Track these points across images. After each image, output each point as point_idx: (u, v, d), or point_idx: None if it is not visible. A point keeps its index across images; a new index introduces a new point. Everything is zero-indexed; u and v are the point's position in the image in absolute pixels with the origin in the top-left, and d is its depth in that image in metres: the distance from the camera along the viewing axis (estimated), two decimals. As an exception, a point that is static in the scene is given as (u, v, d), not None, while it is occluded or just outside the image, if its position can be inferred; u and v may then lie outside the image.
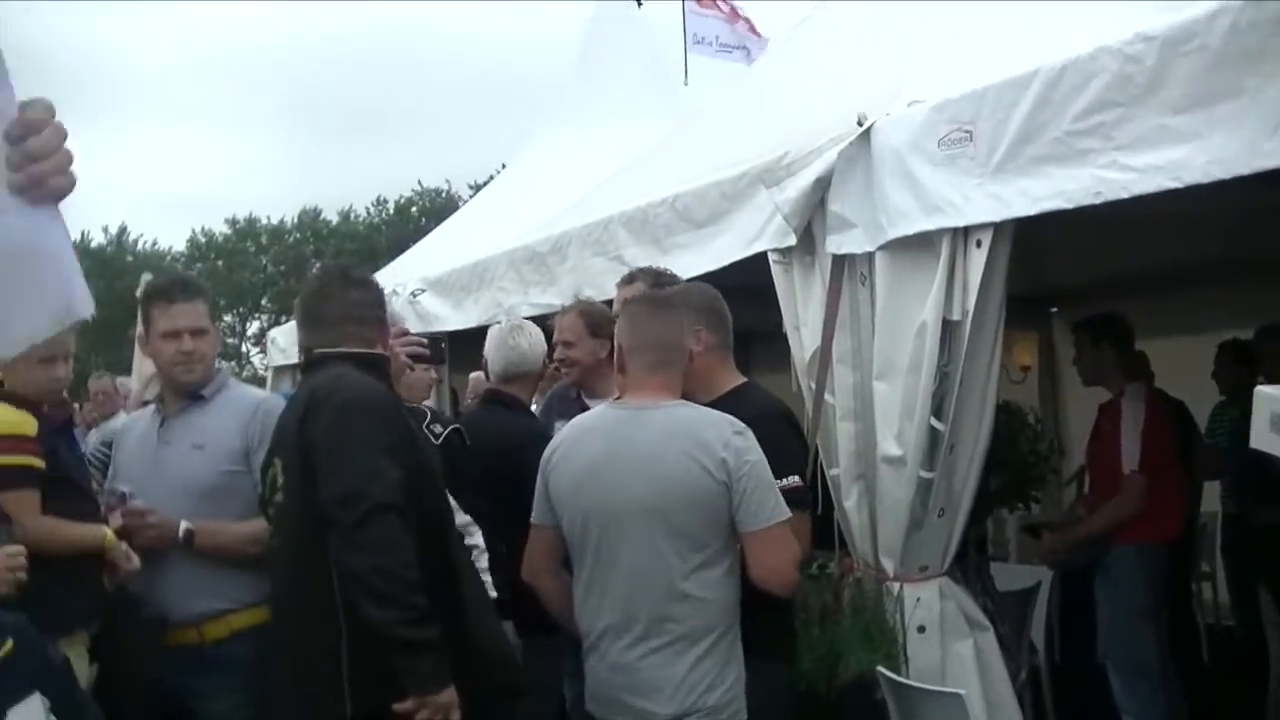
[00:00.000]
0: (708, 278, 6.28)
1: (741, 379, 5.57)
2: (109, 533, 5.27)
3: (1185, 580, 8.32)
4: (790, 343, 6.39)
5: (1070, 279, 10.00)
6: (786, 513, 4.73)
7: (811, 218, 6.14)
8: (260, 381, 20.29)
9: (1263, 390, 3.75)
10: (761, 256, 6.45)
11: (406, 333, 6.12)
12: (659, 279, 6.25)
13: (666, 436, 4.76)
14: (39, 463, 5.14)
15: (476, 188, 45.68)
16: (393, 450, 4.51)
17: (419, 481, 4.58)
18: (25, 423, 5.15)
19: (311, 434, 4.58)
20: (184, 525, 5.36)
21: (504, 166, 23.30)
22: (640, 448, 4.82)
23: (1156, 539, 7.60)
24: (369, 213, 68.72)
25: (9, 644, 3.76)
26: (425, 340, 6.06)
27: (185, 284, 5.80)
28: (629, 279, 6.44)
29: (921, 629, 5.76)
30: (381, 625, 4.28)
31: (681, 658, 4.67)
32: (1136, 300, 8.60)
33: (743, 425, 4.76)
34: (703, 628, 4.69)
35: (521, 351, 6.89)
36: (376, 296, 5.13)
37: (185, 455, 5.54)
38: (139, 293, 6.05)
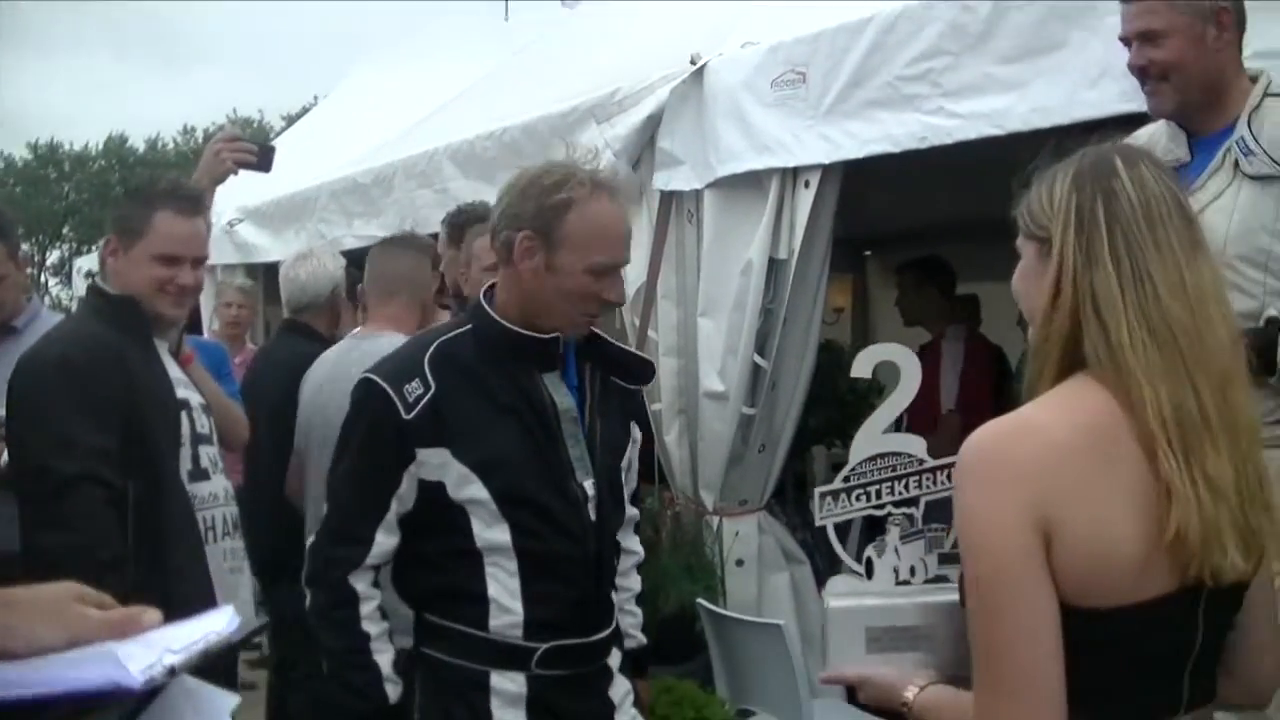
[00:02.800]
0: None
1: None
2: None
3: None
4: (615, 278, 6.40)
5: (885, 223, 10.13)
6: None
7: (641, 154, 6.21)
8: (66, 313, 19.71)
9: None
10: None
11: (238, 138, 5.32)
12: (457, 217, 6.12)
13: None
14: None
15: (290, 119, 44.88)
16: (97, 414, 3.99)
17: (135, 445, 4.07)
18: None
19: (9, 398, 4.19)
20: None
21: (316, 99, 22.94)
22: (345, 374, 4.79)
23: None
24: (177, 142, 67.23)
25: None
26: (255, 149, 5.22)
27: None
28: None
29: (740, 562, 5.88)
30: None
31: None
32: (950, 246, 8.73)
33: None
34: None
35: (300, 283, 6.58)
36: (130, 210, 4.34)
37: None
38: None
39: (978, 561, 2.05)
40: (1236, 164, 3.48)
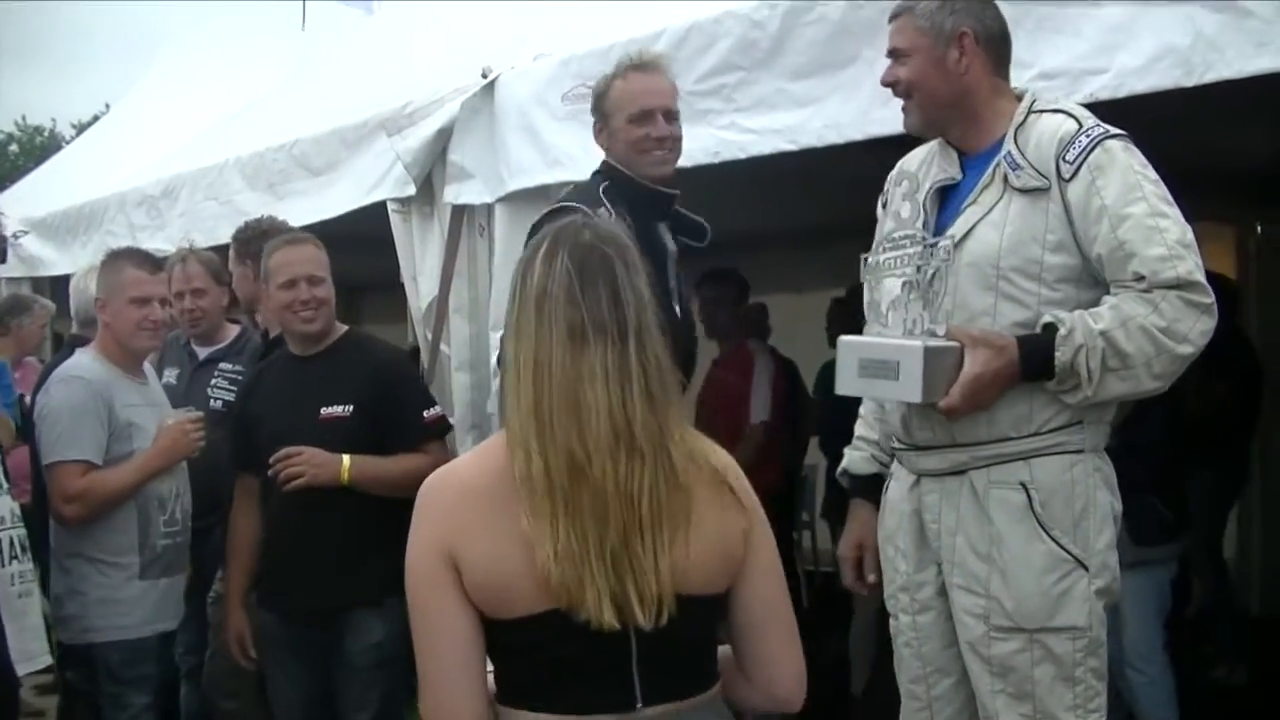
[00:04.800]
0: (322, 226, 6.19)
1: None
2: None
3: (787, 530, 8.56)
4: (407, 293, 6.37)
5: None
6: (62, 456, 4.88)
7: (432, 168, 6.13)
8: None
9: (845, 339, 3.90)
10: (376, 205, 6.40)
11: None
12: (244, 232, 6.04)
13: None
14: None
15: (81, 128, 43.81)
16: None
17: None
18: None
19: None
20: None
21: (108, 107, 22.41)
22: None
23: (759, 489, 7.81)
24: (-38, 149, 65.47)
25: None
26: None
27: None
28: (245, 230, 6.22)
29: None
30: None
31: None
32: (740, 258, 8.78)
33: (63, 378, 5.08)
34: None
35: (89, 296, 6.32)
36: None
37: None
38: None
39: (406, 579, 2.48)
40: (1006, 178, 3.56)
